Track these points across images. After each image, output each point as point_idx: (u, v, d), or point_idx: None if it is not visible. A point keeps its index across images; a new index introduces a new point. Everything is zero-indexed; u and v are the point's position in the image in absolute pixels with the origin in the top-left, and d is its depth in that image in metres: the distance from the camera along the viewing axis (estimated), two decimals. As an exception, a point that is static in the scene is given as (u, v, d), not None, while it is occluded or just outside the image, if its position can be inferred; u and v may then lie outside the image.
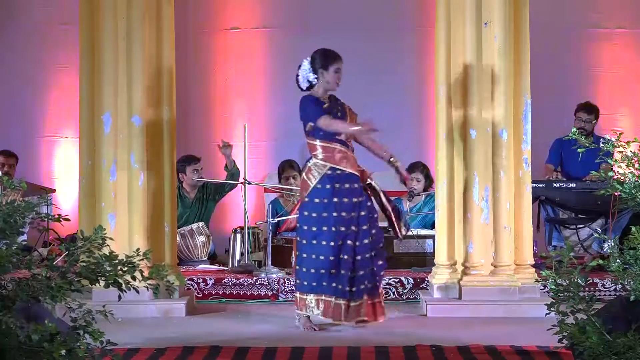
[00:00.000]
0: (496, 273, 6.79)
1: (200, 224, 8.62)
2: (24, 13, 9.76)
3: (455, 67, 6.87)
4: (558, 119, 8.93)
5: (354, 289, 6.00)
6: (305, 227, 6.09)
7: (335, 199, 5.99)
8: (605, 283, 7.33)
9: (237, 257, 8.13)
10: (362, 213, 6.02)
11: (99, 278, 4.31)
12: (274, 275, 7.58)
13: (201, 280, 7.54)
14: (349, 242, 5.99)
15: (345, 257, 5.98)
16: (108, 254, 4.31)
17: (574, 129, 5.12)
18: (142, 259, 4.39)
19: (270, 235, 7.91)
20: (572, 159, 8.34)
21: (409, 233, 6.38)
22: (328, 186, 6.01)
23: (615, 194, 5.02)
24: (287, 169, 8.80)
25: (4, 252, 4.18)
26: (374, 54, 9.66)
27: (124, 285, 4.31)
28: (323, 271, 6.00)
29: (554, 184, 8.30)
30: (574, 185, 8.24)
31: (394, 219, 6.22)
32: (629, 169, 4.78)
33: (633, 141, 4.81)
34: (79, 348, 4.14)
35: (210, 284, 7.51)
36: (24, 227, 4.45)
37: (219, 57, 9.84)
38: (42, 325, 4.05)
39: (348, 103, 9.51)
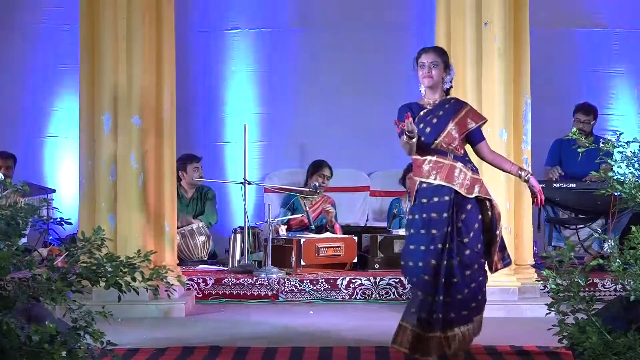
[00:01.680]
0: (496, 273, 6.76)
1: (201, 223, 8.63)
2: (24, 13, 9.76)
3: (455, 67, 6.85)
4: (558, 119, 8.93)
5: (432, 316, 5.12)
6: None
7: (424, 215, 5.22)
8: (605, 283, 7.33)
9: (237, 257, 8.13)
10: (447, 229, 5.15)
11: (99, 279, 4.31)
12: (274, 276, 7.58)
13: (201, 280, 7.54)
14: (432, 260, 5.15)
15: (425, 277, 5.15)
16: (109, 255, 4.31)
17: (574, 129, 5.12)
18: (143, 261, 4.39)
19: (270, 235, 7.91)
20: (572, 159, 8.33)
21: (499, 267, 5.38)
22: (417, 201, 5.30)
23: (615, 194, 5.01)
24: (324, 167, 8.81)
25: (5, 253, 4.18)
26: (374, 54, 9.67)
27: (124, 286, 4.31)
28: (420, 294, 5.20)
29: (554, 184, 8.30)
30: (574, 185, 8.24)
31: (494, 248, 5.30)
32: (629, 169, 4.78)
33: (633, 141, 4.81)
34: (79, 348, 4.14)
35: (210, 284, 7.51)
36: (26, 229, 4.45)
37: (219, 57, 9.84)
38: (43, 326, 4.05)
39: (348, 103, 9.62)
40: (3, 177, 5.09)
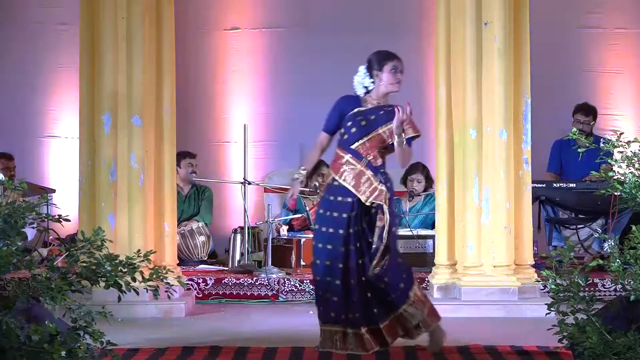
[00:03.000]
0: (496, 273, 6.79)
1: (201, 223, 8.63)
2: (23, 13, 9.76)
3: (455, 67, 6.87)
4: (558, 119, 8.94)
5: (350, 315, 5.31)
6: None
7: (327, 213, 5.40)
8: (605, 283, 7.33)
9: (237, 257, 8.13)
10: (351, 230, 5.33)
11: (99, 279, 4.30)
12: (274, 275, 7.58)
13: (201, 280, 7.54)
14: (339, 264, 5.32)
15: (337, 281, 5.31)
16: (109, 255, 4.31)
17: (574, 130, 5.11)
18: (143, 260, 4.39)
19: (270, 235, 7.91)
20: (572, 159, 8.34)
21: (376, 271, 5.31)
22: (325, 197, 5.48)
23: (616, 194, 5.01)
24: (322, 166, 8.83)
25: (4, 251, 4.18)
26: (374, 54, 9.65)
27: (124, 286, 4.31)
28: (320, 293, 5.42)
29: (554, 184, 8.30)
30: (574, 185, 8.24)
31: (377, 254, 5.34)
32: (629, 169, 4.78)
33: (633, 141, 4.81)
34: (79, 348, 4.14)
35: (210, 284, 7.51)
36: (25, 228, 4.45)
37: (219, 57, 9.84)
38: (42, 325, 4.05)
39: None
40: (8, 178, 5.09)
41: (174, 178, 7.16)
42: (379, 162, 5.44)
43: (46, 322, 4.11)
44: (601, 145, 4.89)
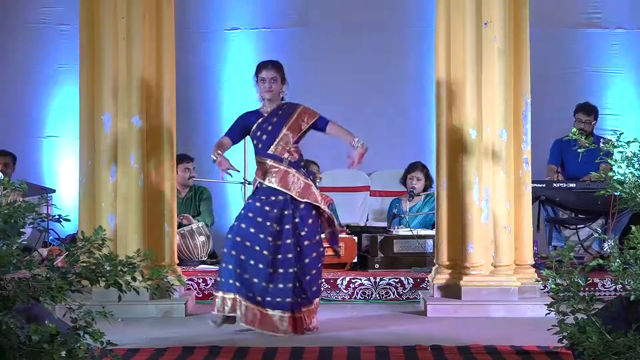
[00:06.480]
0: (496, 273, 6.79)
1: (201, 224, 8.63)
2: (24, 13, 9.77)
3: (455, 67, 6.87)
4: (558, 119, 8.93)
5: (268, 299, 6.01)
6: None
7: (257, 204, 6.10)
8: (605, 283, 7.33)
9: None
10: (287, 227, 6.04)
11: (99, 279, 4.30)
12: (274, 275, 7.57)
13: (201, 280, 7.54)
14: (264, 251, 6.02)
15: (252, 262, 6.02)
16: (108, 255, 4.31)
17: (574, 130, 5.11)
18: (142, 260, 4.39)
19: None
20: (572, 159, 8.34)
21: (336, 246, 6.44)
22: (256, 196, 6.16)
23: (615, 194, 5.01)
24: (309, 164, 8.83)
25: (4, 252, 4.17)
26: (374, 54, 9.66)
27: (124, 286, 4.31)
28: (231, 267, 6.06)
29: (554, 184, 8.30)
30: (574, 185, 8.24)
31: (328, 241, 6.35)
32: (629, 169, 4.78)
33: (633, 141, 4.81)
34: (79, 348, 4.13)
35: (210, 284, 7.51)
36: (25, 228, 4.44)
37: (219, 57, 9.84)
38: (42, 325, 4.05)
39: (348, 103, 9.62)
40: (2, 176, 5.08)
41: (174, 178, 7.16)
42: (297, 156, 6.21)
43: (46, 322, 4.11)
44: (601, 145, 4.89)
